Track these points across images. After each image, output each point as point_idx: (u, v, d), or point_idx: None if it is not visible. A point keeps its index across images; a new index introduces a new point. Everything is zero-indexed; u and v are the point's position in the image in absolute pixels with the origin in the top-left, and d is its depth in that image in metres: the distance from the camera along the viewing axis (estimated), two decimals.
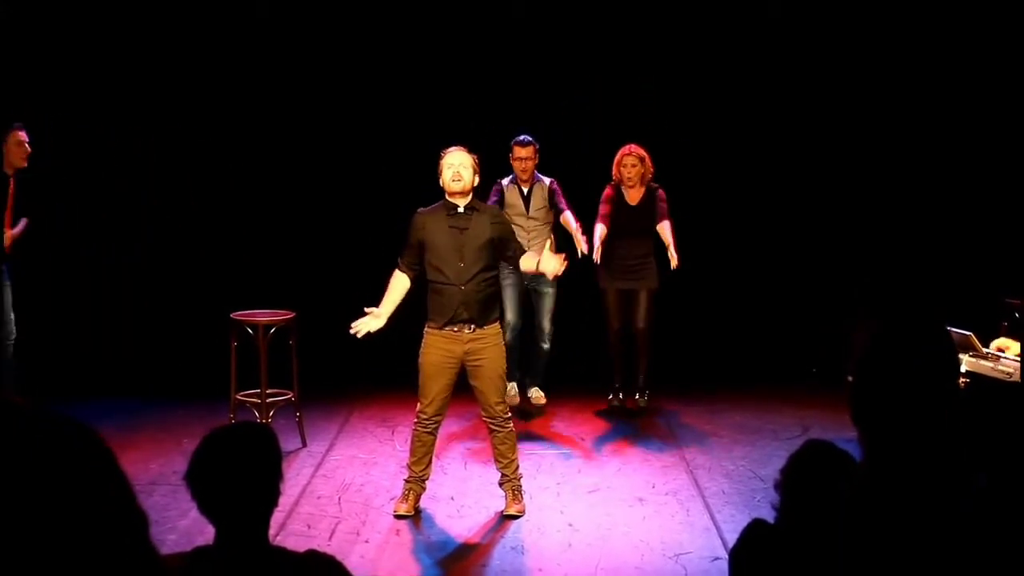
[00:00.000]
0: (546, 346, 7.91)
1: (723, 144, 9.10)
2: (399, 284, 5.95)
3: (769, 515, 2.79)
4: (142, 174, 8.98)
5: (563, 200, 7.73)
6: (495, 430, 5.95)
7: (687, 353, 8.96)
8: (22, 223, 7.47)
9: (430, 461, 6.02)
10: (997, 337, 6.19)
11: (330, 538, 5.62)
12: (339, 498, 6.22)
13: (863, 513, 2.08)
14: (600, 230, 7.57)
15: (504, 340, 6.11)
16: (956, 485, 2.08)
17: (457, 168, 5.82)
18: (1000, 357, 5.81)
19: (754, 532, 2.74)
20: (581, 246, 7.32)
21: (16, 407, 1.29)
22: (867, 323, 2.21)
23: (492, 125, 8.42)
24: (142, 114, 8.86)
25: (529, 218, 7.71)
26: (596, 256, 7.38)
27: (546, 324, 7.87)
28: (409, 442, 6.06)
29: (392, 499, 6.13)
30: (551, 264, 5.81)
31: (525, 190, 7.75)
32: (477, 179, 5.90)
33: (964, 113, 8.79)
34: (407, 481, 6.01)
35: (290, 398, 7.10)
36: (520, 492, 6.04)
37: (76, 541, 1.25)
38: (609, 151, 8.10)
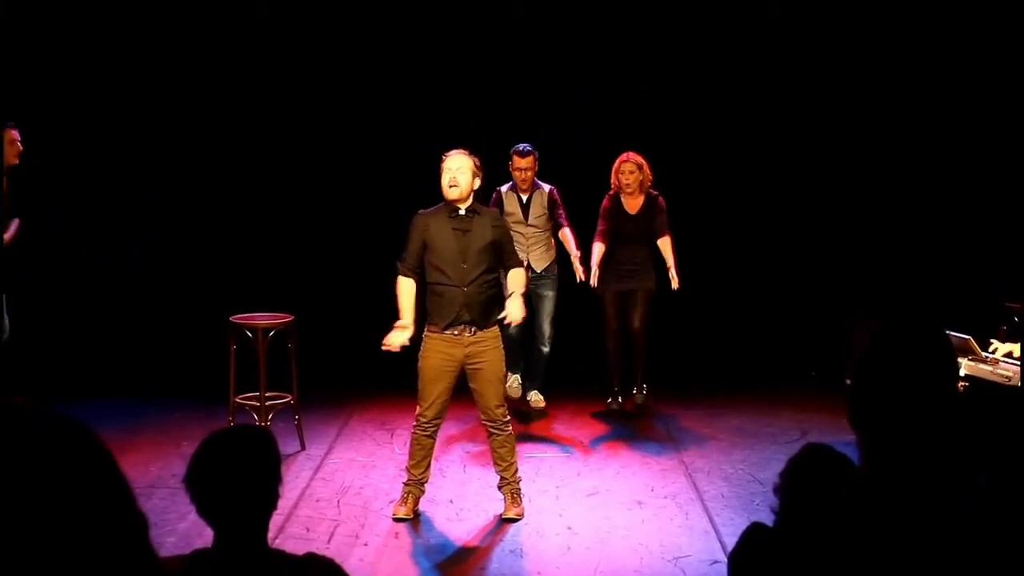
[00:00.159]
0: (545, 349, 7.92)
1: (723, 145, 9.10)
2: (409, 288, 5.91)
3: (768, 518, 2.79)
4: (142, 174, 8.98)
5: (562, 210, 7.76)
6: (494, 433, 5.95)
7: (686, 356, 8.97)
8: (14, 225, 7.45)
9: (429, 464, 6.02)
10: (996, 341, 6.19)
11: (329, 541, 5.62)
12: (338, 501, 6.22)
13: (861, 516, 2.08)
14: (598, 251, 7.65)
15: (509, 333, 6.11)
16: (955, 489, 2.08)
17: (454, 173, 5.80)
18: (999, 361, 5.82)
19: (753, 535, 2.74)
20: (579, 273, 7.54)
21: (16, 408, 1.29)
22: (867, 325, 2.21)
23: (492, 126, 8.44)
24: (142, 114, 8.87)
25: (528, 225, 7.71)
26: (593, 281, 7.53)
27: (546, 327, 7.87)
28: (408, 445, 6.05)
29: (391, 502, 6.12)
30: (514, 311, 5.84)
31: (524, 198, 7.75)
32: (478, 182, 5.88)
33: (964, 115, 8.80)
34: (406, 484, 6.00)
35: (289, 401, 7.10)
36: (519, 495, 6.04)
37: (76, 542, 1.25)
38: (609, 152, 8.10)
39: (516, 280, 5.96)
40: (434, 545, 5.65)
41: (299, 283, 8.87)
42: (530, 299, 7.86)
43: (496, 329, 5.96)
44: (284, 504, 5.60)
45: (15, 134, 7.31)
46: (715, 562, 5.35)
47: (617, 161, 7.78)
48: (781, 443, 7.24)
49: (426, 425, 5.90)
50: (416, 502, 6.00)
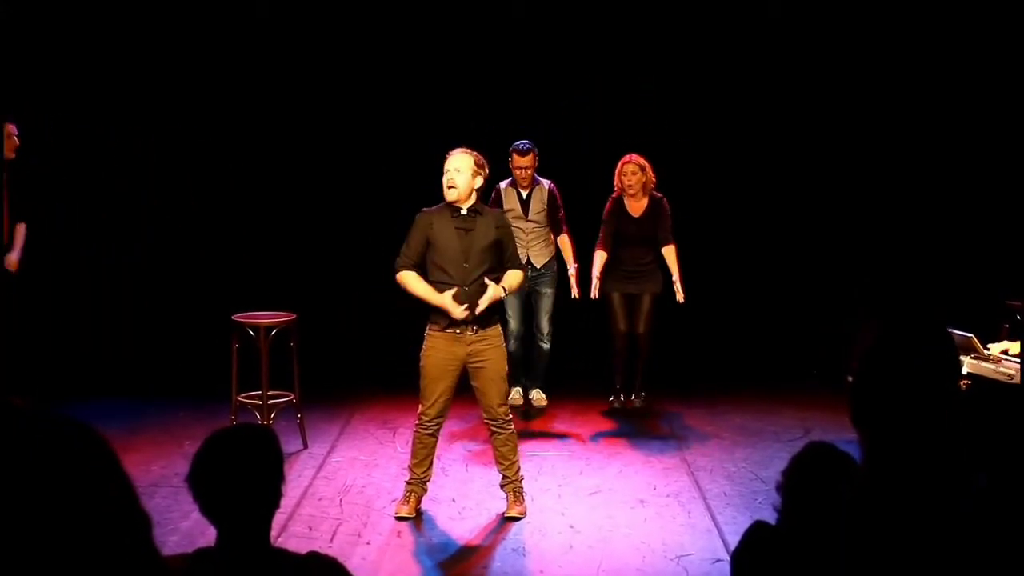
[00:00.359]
0: (546, 346, 7.93)
1: (723, 144, 9.10)
2: (417, 276, 5.82)
3: (770, 517, 2.79)
4: (142, 174, 8.98)
5: (562, 211, 7.78)
6: (496, 432, 5.95)
7: (689, 355, 8.97)
8: (20, 235, 7.45)
9: (431, 463, 6.02)
10: (998, 339, 6.19)
11: (331, 540, 5.62)
12: (340, 500, 6.22)
13: (864, 515, 2.08)
14: (599, 260, 7.67)
15: (508, 347, 6.12)
16: (956, 487, 2.08)
17: (451, 174, 5.79)
18: (1002, 359, 5.81)
19: (756, 534, 2.74)
20: (574, 290, 7.64)
21: (16, 408, 1.29)
22: (868, 324, 2.21)
23: (492, 125, 8.43)
24: (142, 114, 8.87)
25: (528, 221, 7.72)
26: (594, 293, 7.56)
27: (545, 324, 7.89)
28: (410, 444, 6.05)
29: (393, 501, 6.12)
30: (486, 295, 5.75)
31: (524, 194, 7.76)
32: (480, 180, 5.85)
33: (965, 114, 8.79)
34: (408, 483, 6.00)
35: (291, 400, 7.10)
36: (521, 494, 6.04)
37: (78, 542, 1.25)
38: (609, 151, 8.10)
39: (508, 277, 5.93)
40: (436, 544, 5.65)
41: (301, 282, 8.88)
42: (529, 297, 7.88)
43: (498, 328, 5.96)
44: (287, 503, 5.60)
45: (12, 128, 7.34)
46: (717, 560, 5.35)
47: (620, 163, 7.77)
48: (784, 441, 7.24)
49: (428, 424, 5.90)
50: (418, 501, 6.00)
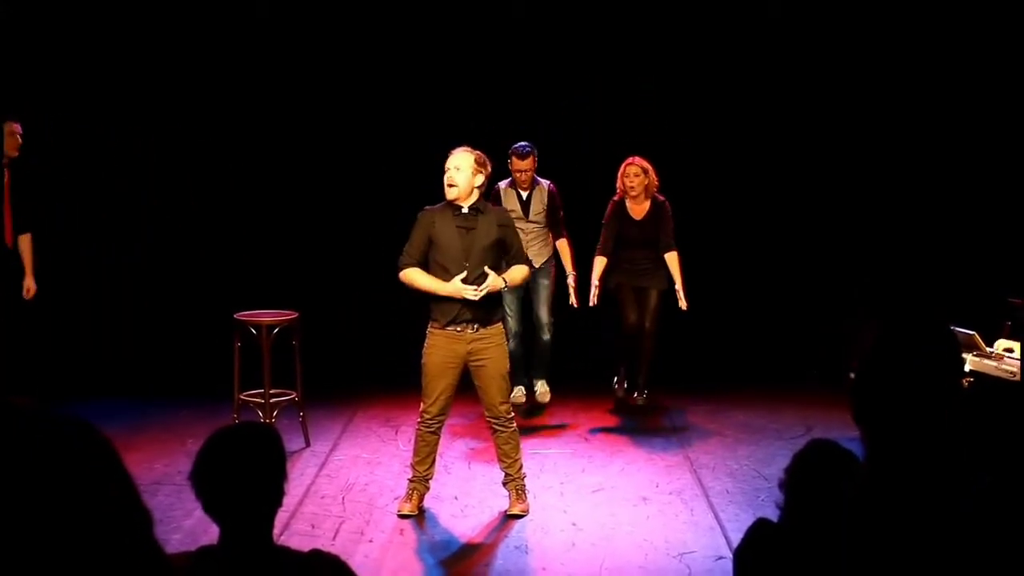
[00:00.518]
0: (546, 336, 7.92)
1: (724, 144, 9.10)
2: (421, 271, 5.82)
3: (773, 514, 2.79)
4: (142, 174, 8.99)
5: (562, 212, 7.78)
6: (498, 430, 5.95)
7: (691, 352, 8.97)
8: (29, 253, 7.46)
9: (434, 461, 6.02)
10: (1000, 337, 6.18)
11: (334, 538, 5.62)
12: (343, 498, 6.22)
13: (866, 512, 2.08)
14: (599, 266, 7.68)
15: (510, 349, 6.13)
16: (959, 484, 2.08)
17: (451, 173, 5.79)
18: (1004, 356, 5.81)
19: (759, 531, 2.74)
20: (572, 299, 7.64)
21: (16, 407, 1.29)
22: (871, 322, 2.21)
23: (492, 125, 8.43)
24: (142, 114, 8.87)
25: (528, 222, 7.72)
26: (593, 300, 7.58)
27: (544, 315, 7.89)
28: (413, 442, 6.05)
29: (396, 499, 6.13)
30: (486, 282, 5.73)
31: (524, 195, 7.76)
32: (482, 178, 5.84)
33: (966, 112, 8.78)
34: (411, 481, 6.01)
35: (294, 398, 7.11)
36: (524, 491, 6.04)
37: (79, 540, 1.25)
38: (609, 152, 8.10)
39: (512, 271, 5.93)
40: (439, 541, 5.66)
41: (303, 280, 8.89)
42: (528, 292, 7.87)
43: (499, 326, 5.96)
44: (289, 501, 5.60)
45: (16, 127, 7.35)
46: (720, 558, 5.35)
47: (622, 165, 7.76)
48: (786, 439, 7.24)
49: (430, 421, 5.91)
50: (421, 498, 6.01)
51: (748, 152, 9.11)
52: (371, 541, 5.62)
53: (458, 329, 5.80)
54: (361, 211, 9.02)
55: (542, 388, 8.03)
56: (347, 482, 6.49)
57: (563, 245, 7.82)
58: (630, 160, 7.75)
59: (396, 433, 7.44)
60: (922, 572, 2.03)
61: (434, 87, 8.95)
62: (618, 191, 7.79)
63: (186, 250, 9.06)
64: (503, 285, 5.84)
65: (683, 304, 7.64)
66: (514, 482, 6.00)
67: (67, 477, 1.26)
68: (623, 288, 7.83)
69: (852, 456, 2.69)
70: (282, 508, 2.64)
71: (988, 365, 5.75)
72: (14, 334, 7.47)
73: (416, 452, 5.98)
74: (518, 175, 7.69)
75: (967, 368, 5.67)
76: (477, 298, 5.67)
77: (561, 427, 7.71)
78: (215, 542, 2.58)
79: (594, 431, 7.60)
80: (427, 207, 5.94)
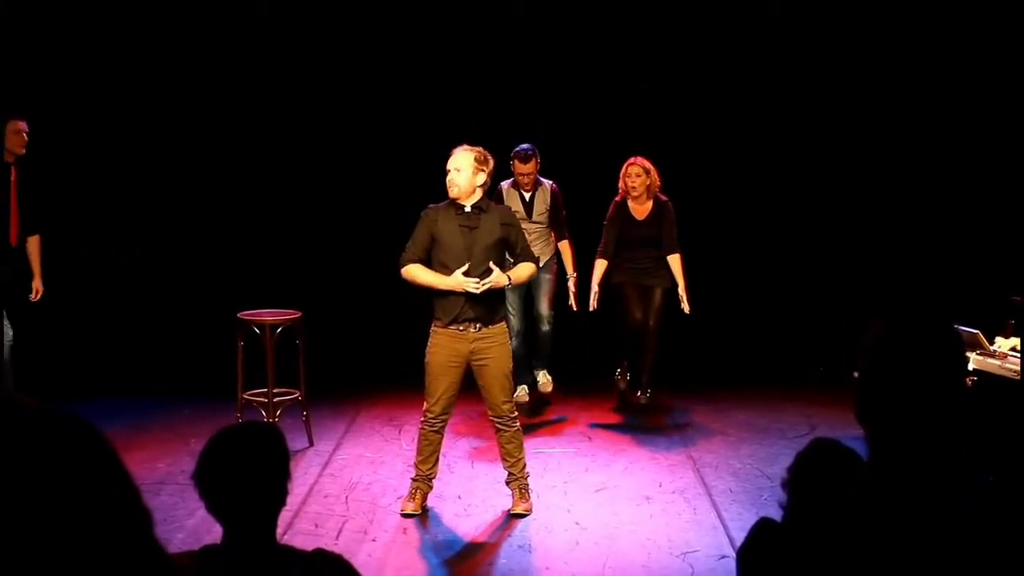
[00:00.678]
0: (546, 328, 7.92)
1: (725, 143, 9.10)
2: (422, 266, 5.82)
3: (776, 513, 2.79)
4: (142, 174, 8.99)
5: (564, 211, 7.78)
6: (501, 429, 5.95)
7: (694, 352, 8.97)
8: (37, 256, 7.47)
9: (437, 460, 6.03)
10: (1003, 335, 6.18)
11: (337, 537, 5.63)
12: (346, 497, 6.23)
13: (869, 511, 2.08)
14: (599, 269, 7.69)
15: (512, 348, 6.13)
16: (962, 483, 2.08)
17: (451, 174, 5.80)
18: (1007, 355, 5.81)
19: (762, 531, 2.73)
20: (572, 301, 7.69)
21: (16, 406, 1.30)
22: (874, 321, 2.21)
23: (492, 125, 8.43)
24: (142, 114, 8.88)
25: (531, 222, 7.71)
26: (593, 303, 7.59)
27: (544, 308, 7.89)
28: (416, 441, 6.06)
29: (399, 498, 6.13)
30: (489, 278, 5.73)
31: (527, 196, 7.76)
32: (483, 176, 5.83)
33: (968, 110, 8.78)
34: (414, 480, 6.01)
35: (297, 397, 7.11)
36: (527, 491, 6.04)
37: (78, 540, 1.25)
38: (609, 152, 8.10)
39: (517, 269, 5.94)
40: (442, 541, 5.66)
41: (307, 280, 8.89)
42: (528, 289, 7.86)
43: (503, 325, 5.97)
44: (293, 500, 5.62)
45: (22, 124, 7.35)
46: (723, 557, 5.35)
47: (624, 165, 7.76)
48: (789, 438, 7.24)
49: (433, 421, 5.91)
50: (424, 498, 6.01)
51: (749, 152, 9.11)
52: (374, 540, 5.62)
53: (461, 328, 5.80)
54: (364, 210, 9.03)
55: (544, 378, 8.02)
56: (350, 481, 6.49)
57: (565, 247, 7.84)
58: (632, 160, 7.74)
59: (399, 432, 7.44)
60: (925, 571, 2.03)
61: (434, 87, 8.96)
62: (620, 191, 7.78)
63: (189, 250, 9.07)
64: (506, 282, 5.83)
65: (686, 307, 7.65)
66: (517, 481, 6.00)
67: (67, 476, 1.26)
68: (626, 286, 7.82)
69: (855, 455, 2.69)
70: (285, 507, 2.64)
71: (991, 364, 5.75)
72: (19, 334, 7.47)
73: (419, 451, 5.98)
74: (521, 178, 7.69)
75: (970, 367, 5.66)
76: (479, 291, 5.67)
77: (564, 426, 7.71)
78: (219, 541, 2.58)
79: (597, 431, 7.60)
80: (431, 205, 5.94)
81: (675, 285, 7.74)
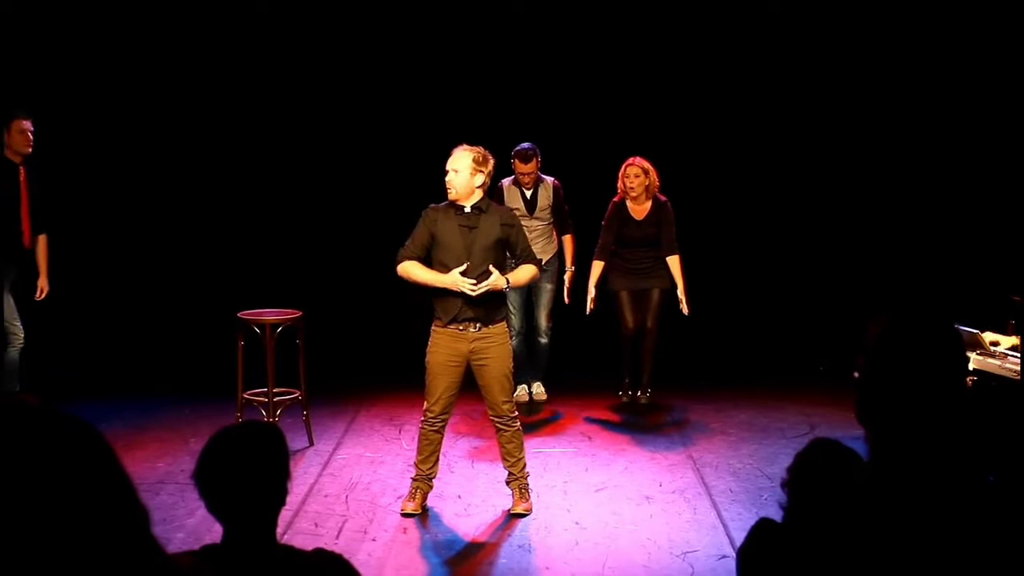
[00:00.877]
0: (544, 340, 7.97)
1: (727, 142, 9.10)
2: (419, 264, 5.80)
3: (776, 513, 2.79)
4: (142, 174, 8.99)
5: (565, 207, 7.79)
6: (502, 429, 5.95)
7: (694, 351, 8.97)
8: (45, 255, 7.47)
9: (437, 459, 6.03)
10: (1004, 334, 6.17)
11: (337, 536, 5.63)
12: (346, 497, 6.23)
13: (870, 511, 2.08)
14: (596, 271, 7.69)
15: (512, 347, 6.14)
16: (963, 483, 2.08)
17: (449, 175, 5.80)
18: (1007, 355, 5.80)
19: (762, 530, 2.73)
20: (567, 297, 7.74)
21: (16, 405, 1.30)
22: (875, 320, 2.21)
23: (492, 125, 8.43)
24: (142, 113, 8.88)
25: (533, 219, 7.72)
26: (589, 306, 7.60)
27: (543, 320, 7.91)
28: (416, 440, 6.06)
29: (399, 497, 6.13)
30: (488, 280, 5.70)
31: (528, 193, 7.76)
32: (482, 177, 5.81)
33: (970, 110, 8.78)
34: (414, 479, 6.01)
35: (297, 397, 7.11)
36: (527, 490, 6.04)
37: (77, 539, 1.25)
38: (609, 152, 8.09)
39: (518, 271, 5.93)
40: (442, 540, 5.66)
41: (307, 279, 8.89)
42: (528, 292, 7.88)
43: (503, 325, 5.96)
44: (293, 500, 5.63)
45: (27, 123, 7.35)
46: (723, 557, 5.35)
47: (623, 165, 7.76)
48: (789, 438, 7.24)
49: (433, 420, 5.91)
50: (424, 497, 6.01)
51: (750, 151, 9.11)
52: (374, 540, 5.62)
53: (460, 328, 5.80)
54: (364, 210, 9.03)
55: (538, 389, 8.12)
56: (350, 481, 6.49)
57: (568, 240, 7.86)
58: (630, 161, 7.75)
59: (399, 432, 7.44)
60: (925, 571, 2.03)
61: (435, 87, 8.96)
62: (619, 192, 7.78)
63: (189, 249, 9.08)
64: (505, 285, 5.81)
65: (685, 309, 7.66)
66: (517, 481, 6.00)
67: (66, 476, 1.26)
68: (619, 295, 7.85)
69: (855, 455, 2.68)
70: (285, 507, 2.64)
71: (992, 364, 5.74)
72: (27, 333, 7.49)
73: (419, 451, 5.98)
74: (522, 178, 7.69)
75: (971, 367, 5.66)
76: (475, 295, 5.66)
77: (564, 426, 7.71)
78: (219, 541, 2.58)
79: (597, 430, 7.60)
80: (432, 205, 5.94)
81: (674, 286, 7.74)
